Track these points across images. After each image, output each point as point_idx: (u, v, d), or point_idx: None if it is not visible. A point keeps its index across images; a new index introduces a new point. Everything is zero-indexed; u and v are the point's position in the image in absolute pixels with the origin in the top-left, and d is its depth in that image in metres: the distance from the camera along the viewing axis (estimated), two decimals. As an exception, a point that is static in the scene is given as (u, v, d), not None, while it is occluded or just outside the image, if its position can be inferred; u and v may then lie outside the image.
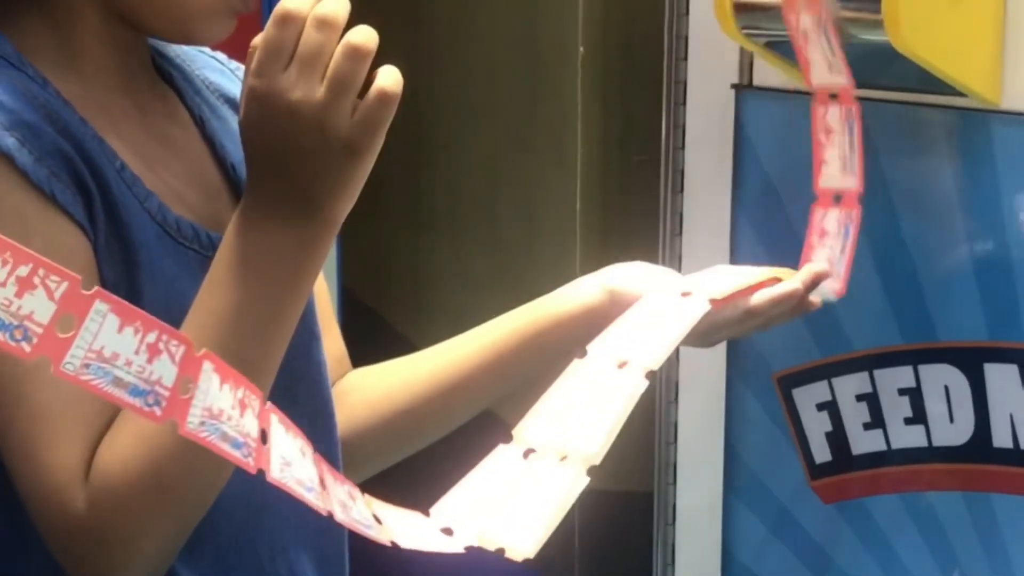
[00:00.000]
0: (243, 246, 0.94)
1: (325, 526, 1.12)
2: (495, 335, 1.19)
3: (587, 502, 2.01)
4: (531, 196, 2.02)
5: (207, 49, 1.17)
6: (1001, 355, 1.53)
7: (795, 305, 1.23)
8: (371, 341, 2.41)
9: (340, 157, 0.92)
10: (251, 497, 1.05)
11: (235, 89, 1.16)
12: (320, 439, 1.11)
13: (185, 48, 1.14)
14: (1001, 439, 1.54)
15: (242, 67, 1.20)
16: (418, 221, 2.18)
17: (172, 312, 0.95)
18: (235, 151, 1.09)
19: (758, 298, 1.19)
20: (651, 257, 1.86)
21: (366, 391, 1.21)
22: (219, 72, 1.17)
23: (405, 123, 2.28)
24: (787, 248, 1.67)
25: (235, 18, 1.04)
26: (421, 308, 2.20)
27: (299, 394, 1.09)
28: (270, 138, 0.92)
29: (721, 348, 1.76)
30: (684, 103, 1.78)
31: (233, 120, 1.13)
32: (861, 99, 1.42)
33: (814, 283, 1.23)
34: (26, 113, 0.95)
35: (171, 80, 1.12)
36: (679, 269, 1.82)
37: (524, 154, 2.02)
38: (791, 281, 1.21)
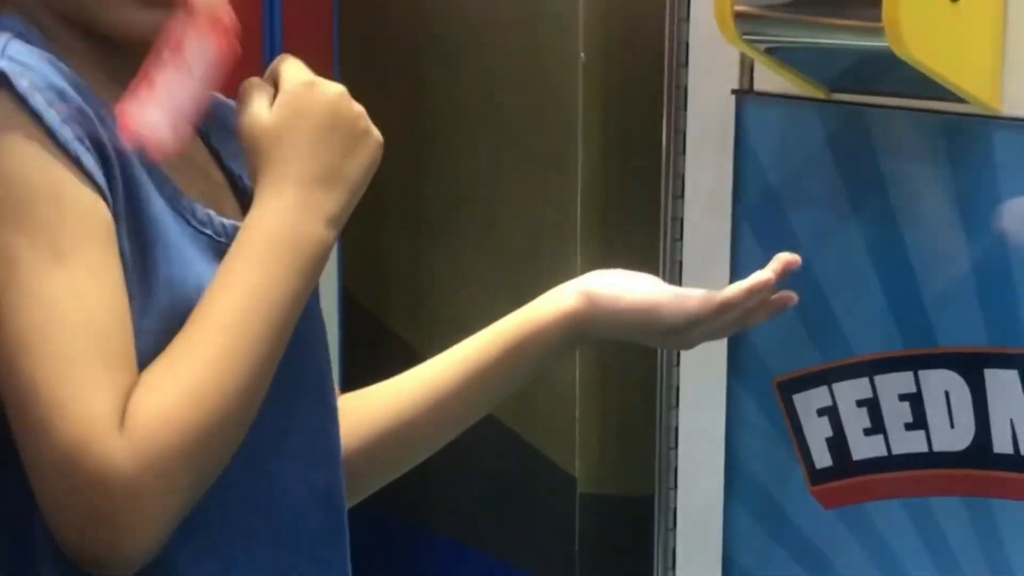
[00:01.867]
0: (267, 223, 1.00)
1: (328, 534, 1.13)
2: (478, 345, 1.21)
3: (588, 506, 2.01)
4: (532, 201, 2.02)
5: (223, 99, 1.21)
6: (1001, 361, 1.53)
7: (770, 300, 1.21)
8: (372, 346, 2.41)
9: (366, 137, 1.04)
10: (255, 507, 1.05)
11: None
12: (321, 433, 1.12)
13: None
14: (1001, 445, 1.54)
15: None
16: (419, 226, 2.18)
17: (188, 292, 0.98)
18: (238, 166, 1.11)
19: (731, 289, 1.17)
20: (652, 262, 1.86)
21: (356, 414, 1.22)
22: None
23: (406, 128, 2.28)
24: (787, 251, 1.67)
25: (149, 8, 1.03)
26: (422, 313, 2.20)
27: (303, 385, 1.10)
28: (312, 123, 1.02)
29: (722, 353, 1.76)
30: (685, 108, 1.78)
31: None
32: (863, 105, 1.42)
33: (785, 271, 1.19)
34: (54, 77, 0.98)
35: None
36: (680, 273, 1.82)
37: (525, 159, 2.02)
38: (762, 271, 1.18)
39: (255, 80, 1.05)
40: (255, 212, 1.00)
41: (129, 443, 0.90)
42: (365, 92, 2.31)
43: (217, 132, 1.15)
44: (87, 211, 0.96)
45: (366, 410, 1.23)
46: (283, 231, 0.99)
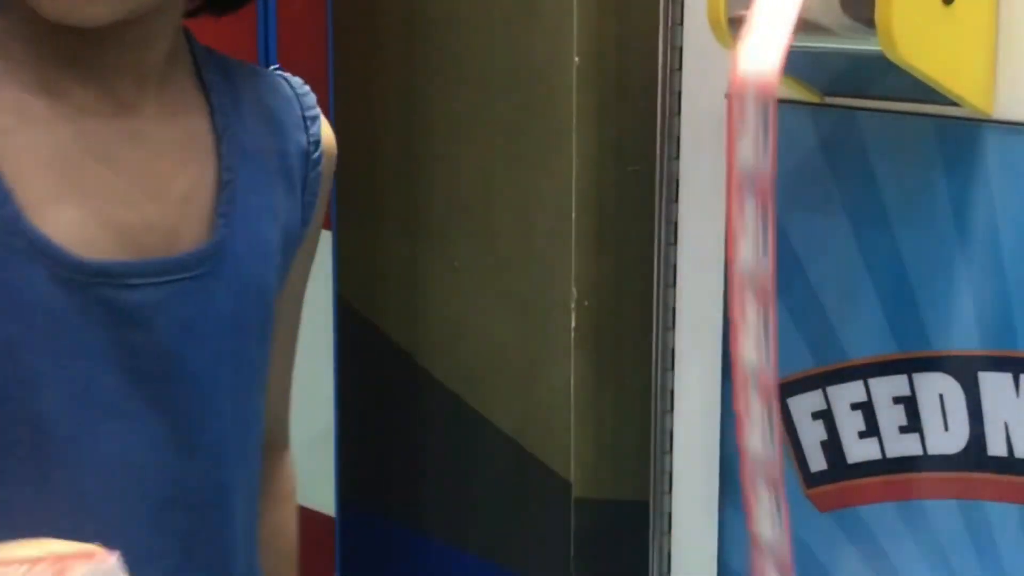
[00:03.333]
0: None
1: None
2: None
3: (583, 510, 2.01)
4: (526, 206, 2.02)
5: (288, 75, 1.17)
6: (995, 364, 1.53)
7: None
8: (366, 351, 2.41)
9: None
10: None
11: (289, 110, 1.15)
12: (197, 426, 1.08)
13: (250, 68, 1.15)
14: (996, 448, 1.54)
15: (310, 93, 1.19)
16: (414, 231, 2.18)
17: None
18: (246, 176, 1.09)
19: None
20: (647, 266, 1.87)
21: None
22: (282, 97, 1.16)
23: (401, 133, 2.28)
24: (781, 257, 1.67)
25: None
26: (417, 318, 2.20)
27: (168, 397, 1.06)
28: None
29: (716, 357, 1.76)
30: (679, 113, 1.78)
31: (268, 136, 1.13)
32: (856, 108, 1.42)
33: None
34: None
35: (209, 93, 1.10)
36: (674, 278, 1.83)
37: (519, 164, 2.02)
38: None
39: None
40: None
41: None
42: (360, 96, 2.32)
43: (241, 127, 1.12)
44: None
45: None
46: None
